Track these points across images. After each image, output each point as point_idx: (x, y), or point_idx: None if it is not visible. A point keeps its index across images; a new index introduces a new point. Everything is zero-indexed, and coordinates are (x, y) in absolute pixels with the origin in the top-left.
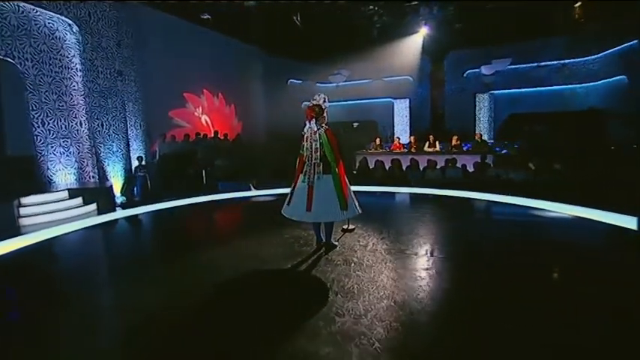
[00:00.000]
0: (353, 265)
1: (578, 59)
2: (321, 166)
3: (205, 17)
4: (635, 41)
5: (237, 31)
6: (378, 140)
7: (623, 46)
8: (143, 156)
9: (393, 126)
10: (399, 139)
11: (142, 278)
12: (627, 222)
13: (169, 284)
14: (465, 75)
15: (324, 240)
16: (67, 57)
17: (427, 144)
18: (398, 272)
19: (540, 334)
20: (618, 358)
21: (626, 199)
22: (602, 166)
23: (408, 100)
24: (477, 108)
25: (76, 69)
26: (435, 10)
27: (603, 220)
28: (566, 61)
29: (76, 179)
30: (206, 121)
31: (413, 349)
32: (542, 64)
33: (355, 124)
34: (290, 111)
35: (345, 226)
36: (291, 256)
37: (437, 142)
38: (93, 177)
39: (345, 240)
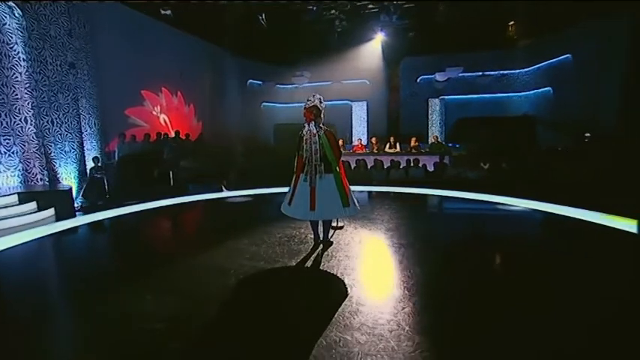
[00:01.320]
0: (355, 259)
1: (515, 71)
2: (322, 166)
3: (166, 12)
4: (558, 58)
5: (198, 29)
6: (340, 142)
7: (549, 61)
8: (99, 156)
9: (352, 128)
10: (361, 140)
11: (139, 288)
12: (566, 211)
13: (179, 292)
14: (418, 81)
15: (321, 238)
16: (8, 44)
17: (388, 145)
18: (400, 262)
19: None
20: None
21: (562, 193)
22: (538, 165)
23: (365, 103)
24: (430, 112)
25: (19, 58)
26: (395, 19)
27: (549, 210)
28: (505, 72)
29: (20, 182)
30: (165, 121)
31: (440, 328)
32: (487, 73)
33: None
34: (249, 112)
35: (335, 224)
36: (292, 254)
37: (397, 144)
38: (42, 179)
39: (337, 237)
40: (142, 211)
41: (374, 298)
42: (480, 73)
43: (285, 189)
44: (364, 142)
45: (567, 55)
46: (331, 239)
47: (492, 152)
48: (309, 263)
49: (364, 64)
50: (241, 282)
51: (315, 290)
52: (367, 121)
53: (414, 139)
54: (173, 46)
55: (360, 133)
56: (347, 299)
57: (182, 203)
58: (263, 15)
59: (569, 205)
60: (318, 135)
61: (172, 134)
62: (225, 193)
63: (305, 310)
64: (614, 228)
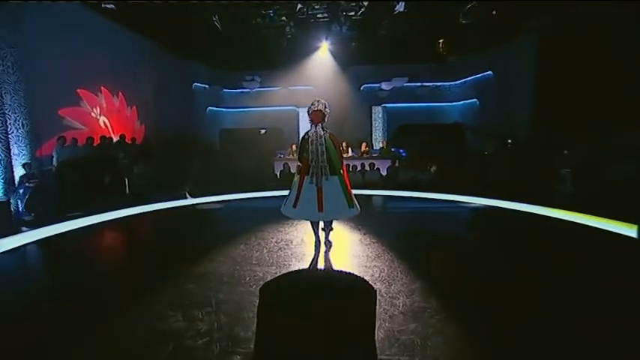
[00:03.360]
0: (365, 257)
1: (446, 83)
2: (328, 168)
3: (109, 6)
4: (482, 74)
5: (142, 27)
6: (294, 146)
7: (474, 76)
8: (31, 162)
9: (298, 134)
10: None
11: (156, 307)
12: (506, 204)
13: (208, 306)
14: (361, 89)
15: (322, 239)
16: None
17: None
18: (406, 258)
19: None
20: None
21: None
22: (473, 167)
23: None
24: (373, 119)
25: None
26: (345, 29)
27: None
28: (438, 83)
29: None
30: (105, 123)
31: (470, 311)
32: (426, 84)
33: (262, 131)
34: (194, 116)
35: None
36: (298, 257)
37: (349, 149)
38: None
39: (333, 238)
40: (103, 222)
41: (402, 292)
42: (420, 84)
43: (247, 194)
44: None
45: (489, 72)
46: (331, 240)
47: (432, 156)
48: (322, 265)
49: (311, 71)
50: (267, 290)
51: (349, 292)
52: None
53: (364, 144)
54: (114, 42)
55: None
56: (379, 295)
57: (147, 212)
58: (216, 16)
59: (504, 199)
60: (324, 137)
61: (117, 138)
62: (191, 200)
63: (362, 309)
64: (542, 215)
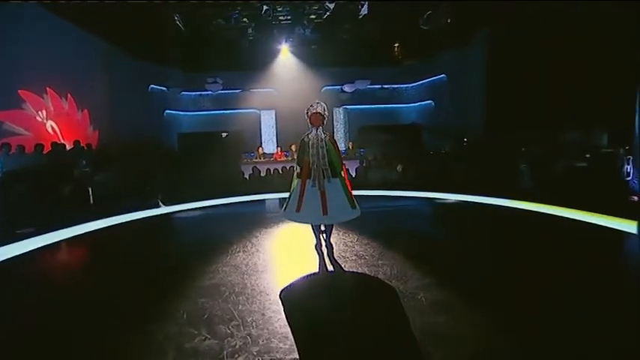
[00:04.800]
0: (369, 257)
1: (403, 85)
2: (329, 171)
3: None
4: (437, 77)
5: (95, 25)
6: (260, 150)
7: (429, 79)
8: None
9: (261, 136)
10: (281, 148)
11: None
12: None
13: (246, 323)
14: (322, 90)
15: (323, 242)
16: None
17: None
18: (409, 255)
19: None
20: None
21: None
22: (435, 165)
23: (274, 112)
24: (335, 120)
25: None
26: (308, 32)
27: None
28: (395, 85)
29: None
30: (52, 128)
31: (489, 302)
32: (385, 86)
33: (224, 134)
34: (151, 120)
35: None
36: (302, 261)
37: None
38: None
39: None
40: (70, 238)
41: (418, 287)
42: (380, 86)
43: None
44: (273, 150)
45: (443, 75)
46: (332, 242)
47: (397, 156)
48: (331, 267)
49: (272, 74)
50: (289, 298)
51: (364, 289)
52: (276, 129)
53: None
54: (62, 40)
55: (268, 141)
56: (399, 291)
57: (118, 224)
58: (177, 16)
59: (471, 194)
60: (325, 140)
61: (70, 144)
62: (165, 209)
63: (371, 304)
64: (503, 206)
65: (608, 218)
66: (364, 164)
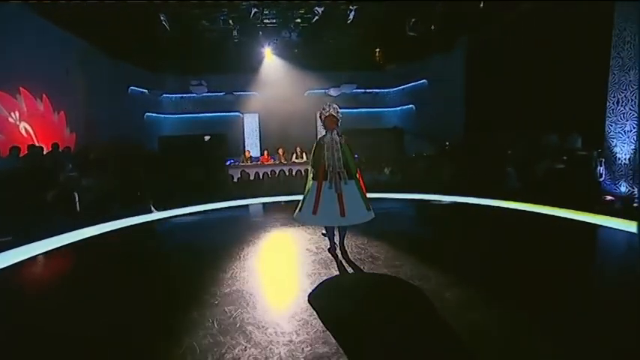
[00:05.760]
0: (385, 259)
1: (385, 90)
2: (345, 173)
3: None
4: (418, 82)
5: (73, 23)
6: (247, 153)
7: (411, 84)
8: None
9: (244, 140)
10: (268, 151)
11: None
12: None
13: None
14: (305, 94)
15: (337, 244)
16: None
17: (294, 155)
18: (420, 257)
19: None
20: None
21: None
22: (419, 168)
23: (257, 115)
24: (318, 124)
25: None
26: (295, 36)
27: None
28: (378, 90)
29: None
30: (26, 130)
31: (515, 299)
32: (369, 90)
33: (207, 137)
34: (130, 123)
35: (324, 231)
36: (319, 263)
37: (304, 154)
38: None
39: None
40: (60, 248)
41: (441, 284)
42: (363, 90)
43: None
44: (257, 153)
45: (424, 80)
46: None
47: (382, 159)
48: (350, 269)
49: (256, 77)
50: (318, 301)
51: (393, 289)
52: (259, 132)
53: None
54: (37, 38)
55: (251, 144)
56: (424, 289)
57: (111, 232)
58: (164, 16)
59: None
60: (340, 142)
61: (49, 147)
62: (161, 214)
63: (407, 302)
64: (491, 206)
65: (595, 216)
66: None
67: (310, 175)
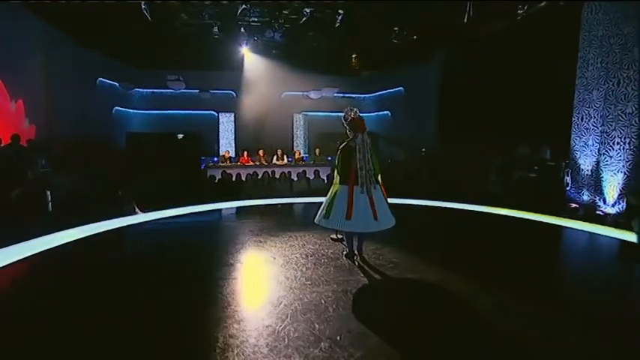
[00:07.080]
0: (406, 264)
1: (362, 95)
2: (374, 177)
3: None
4: (394, 89)
5: (38, 3)
6: (227, 154)
7: (387, 91)
8: None
9: (218, 140)
10: (247, 152)
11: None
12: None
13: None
14: (282, 96)
15: (356, 250)
16: None
17: (275, 157)
18: (440, 261)
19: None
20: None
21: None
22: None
23: (232, 115)
24: (295, 126)
25: None
26: (279, 37)
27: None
28: (355, 95)
29: None
30: None
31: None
32: (347, 95)
33: (180, 136)
34: (97, 116)
35: (334, 236)
36: (341, 270)
37: (284, 156)
38: None
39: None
40: (36, 254)
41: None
42: (341, 95)
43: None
44: (232, 154)
45: (400, 88)
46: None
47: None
48: (377, 275)
49: (233, 76)
50: (360, 310)
51: (422, 293)
52: (234, 132)
53: (298, 152)
54: None
55: (226, 144)
56: (455, 292)
57: (93, 235)
58: (144, 5)
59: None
60: (369, 146)
61: (9, 140)
62: (142, 217)
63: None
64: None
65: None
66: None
67: (337, 179)
